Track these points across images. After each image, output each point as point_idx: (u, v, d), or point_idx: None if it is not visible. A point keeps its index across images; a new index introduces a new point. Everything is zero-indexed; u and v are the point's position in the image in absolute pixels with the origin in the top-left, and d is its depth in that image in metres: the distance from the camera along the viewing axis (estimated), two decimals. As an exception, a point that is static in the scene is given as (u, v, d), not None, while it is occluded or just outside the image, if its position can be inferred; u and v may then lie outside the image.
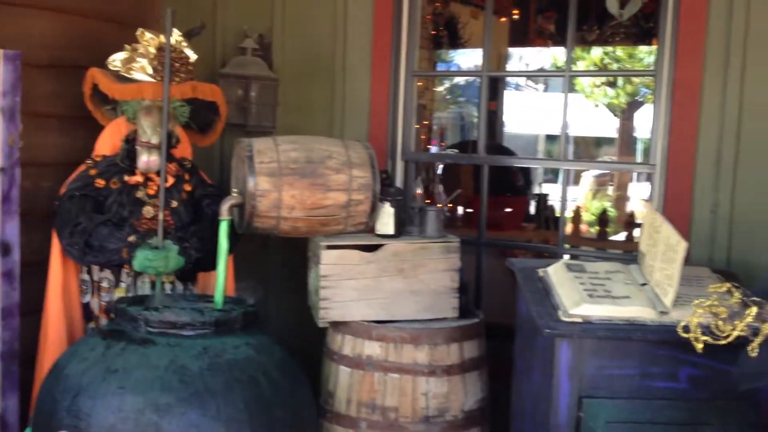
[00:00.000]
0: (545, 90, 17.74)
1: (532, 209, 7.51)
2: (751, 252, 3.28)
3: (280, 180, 3.11)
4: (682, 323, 1.74)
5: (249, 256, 3.93)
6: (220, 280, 3.08)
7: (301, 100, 4.11)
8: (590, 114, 15.42)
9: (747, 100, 3.24)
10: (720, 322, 1.65)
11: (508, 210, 7.14)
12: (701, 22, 3.31)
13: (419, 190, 3.55)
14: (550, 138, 17.03)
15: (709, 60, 3.31)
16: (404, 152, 3.97)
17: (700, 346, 1.73)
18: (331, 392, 3.28)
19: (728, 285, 1.70)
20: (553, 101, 15.40)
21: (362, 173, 3.22)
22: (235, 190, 3.22)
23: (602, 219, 7.10)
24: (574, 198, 11.47)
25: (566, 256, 3.84)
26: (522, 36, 7.76)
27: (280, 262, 4.09)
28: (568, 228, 7.10)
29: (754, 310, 1.62)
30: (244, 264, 3.79)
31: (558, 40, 7.28)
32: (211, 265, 3.19)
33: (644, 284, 2.67)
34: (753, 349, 1.75)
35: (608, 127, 15.93)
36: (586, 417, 2.51)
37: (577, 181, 13.21)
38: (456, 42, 7.25)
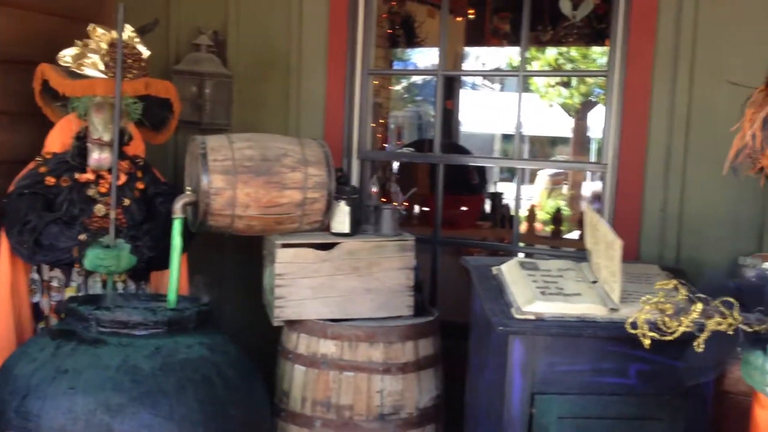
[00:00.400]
0: (501, 89, 17.87)
1: (488, 208, 7.56)
2: (699, 249, 3.35)
3: (235, 178, 3.09)
4: (630, 320, 1.78)
5: (204, 254, 3.89)
6: (173, 278, 3.05)
7: (256, 97, 4.08)
8: (546, 114, 15.58)
9: (695, 100, 3.31)
10: (666, 319, 1.69)
11: (464, 209, 7.18)
12: (651, 23, 3.37)
13: (375, 189, 3.56)
14: (507, 137, 17.17)
15: (659, 61, 3.37)
16: (360, 150, 3.97)
17: (647, 342, 1.77)
18: (286, 391, 3.27)
19: (675, 282, 1.74)
20: (509, 101, 15.52)
21: (318, 171, 3.22)
22: (189, 188, 3.20)
23: (556, 218, 7.18)
24: (530, 197, 11.59)
25: (521, 255, 3.89)
26: (478, 36, 7.80)
27: (235, 261, 4.07)
28: (523, 227, 7.17)
29: (699, 306, 1.66)
30: (198, 263, 3.75)
31: (513, 40, 7.34)
32: (164, 264, 3.16)
33: (595, 282, 2.71)
34: (699, 345, 1.79)
35: (563, 126, 16.11)
36: (538, 413, 2.54)
37: (532, 180, 13.34)
38: (412, 41, 7.26)
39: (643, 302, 1.69)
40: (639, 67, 3.40)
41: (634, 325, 1.76)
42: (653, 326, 1.76)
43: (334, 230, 3.31)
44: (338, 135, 3.94)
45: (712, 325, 1.71)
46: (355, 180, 3.96)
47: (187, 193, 3.15)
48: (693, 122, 3.32)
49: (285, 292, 3.19)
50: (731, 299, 1.76)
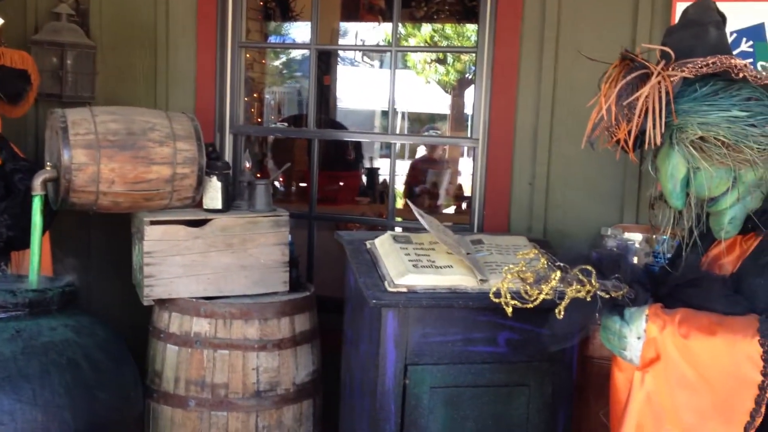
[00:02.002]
0: (381, 66, 17.93)
1: (368, 184, 7.61)
2: (565, 221, 3.47)
3: (98, 153, 2.96)
4: (493, 289, 1.82)
5: (69, 232, 3.74)
6: (35, 258, 2.92)
7: (122, 69, 3.93)
8: (425, 91, 15.75)
9: (560, 77, 3.40)
10: (527, 287, 1.74)
11: (343, 184, 7.21)
12: (518, 2, 3.44)
13: (248, 164, 3.50)
14: (386, 114, 17.26)
15: (526, 39, 3.45)
16: (233, 125, 3.90)
17: (509, 310, 1.81)
18: (159, 372, 3.20)
19: (535, 251, 1.80)
20: (388, 78, 15.56)
21: (187, 146, 3.13)
22: (50, 163, 3.05)
23: (433, 193, 7.31)
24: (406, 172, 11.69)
25: (398, 229, 3.92)
26: (354, 11, 7.79)
27: (104, 239, 3.93)
28: (401, 202, 7.26)
29: (558, 274, 1.72)
30: (63, 241, 3.60)
31: (388, 16, 7.37)
32: (25, 244, 3.01)
33: (469, 254, 2.77)
34: (560, 312, 1.85)
35: (441, 103, 16.35)
36: (411, 383, 2.58)
37: (412, 156, 13.48)
38: (287, 15, 7.17)
39: (505, 271, 1.74)
40: (507, 45, 3.47)
41: (497, 294, 1.80)
42: (515, 295, 1.81)
43: (206, 206, 3.24)
44: (210, 109, 3.84)
45: (571, 292, 1.77)
46: (228, 155, 3.88)
47: (48, 169, 3.00)
48: (558, 99, 3.42)
49: (155, 271, 3.10)
50: (589, 267, 1.83)
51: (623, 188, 3.38)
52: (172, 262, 3.12)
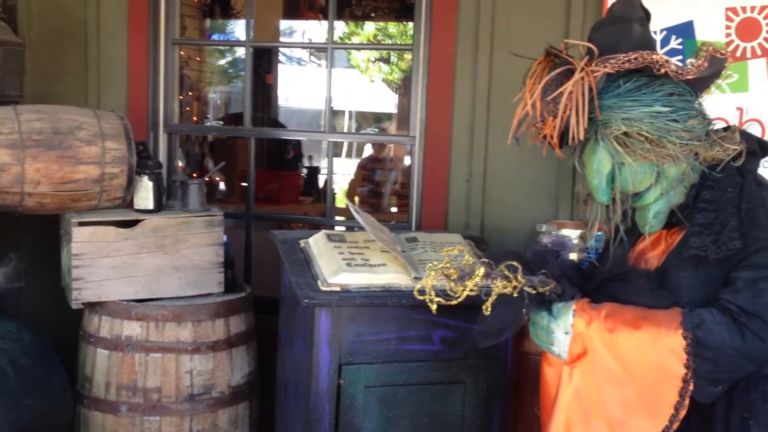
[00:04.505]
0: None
1: (313, 183, 7.58)
2: (502, 218, 3.48)
3: (23, 152, 2.87)
4: (418, 286, 1.81)
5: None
6: (-44, 262, 2.82)
7: (51, 67, 3.83)
8: (371, 90, 15.74)
9: (495, 74, 3.41)
10: (452, 284, 1.73)
11: (286, 184, 7.16)
12: (453, -1, 3.44)
13: (181, 163, 3.43)
14: (335, 113, 17.21)
15: (461, 36, 3.44)
16: (167, 124, 3.82)
17: (434, 307, 1.80)
18: (89, 377, 3.11)
19: (460, 247, 1.78)
20: (336, 77, 15.53)
21: (116, 145, 3.06)
22: (-28, 164, 2.94)
23: (379, 192, 7.29)
24: (351, 172, 11.68)
25: (340, 228, 3.89)
26: (295, 9, 7.74)
27: (33, 241, 3.81)
28: (342, 200, 7.23)
29: (482, 270, 1.71)
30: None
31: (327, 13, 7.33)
32: (-54, 247, 2.90)
33: (404, 251, 2.75)
34: (487, 308, 1.84)
35: (389, 102, 16.37)
36: (345, 383, 2.56)
37: (360, 155, 13.46)
38: (228, 12, 7.09)
39: (429, 268, 1.73)
40: (442, 41, 3.46)
41: (422, 292, 1.79)
42: (441, 292, 1.79)
43: (137, 206, 3.17)
44: (143, 107, 3.76)
45: (497, 288, 1.77)
46: (162, 154, 3.81)
47: (-31, 169, 2.90)
48: (493, 96, 3.42)
49: (83, 273, 3.02)
50: (515, 263, 1.83)
51: (558, 185, 3.40)
52: (102, 264, 3.04)
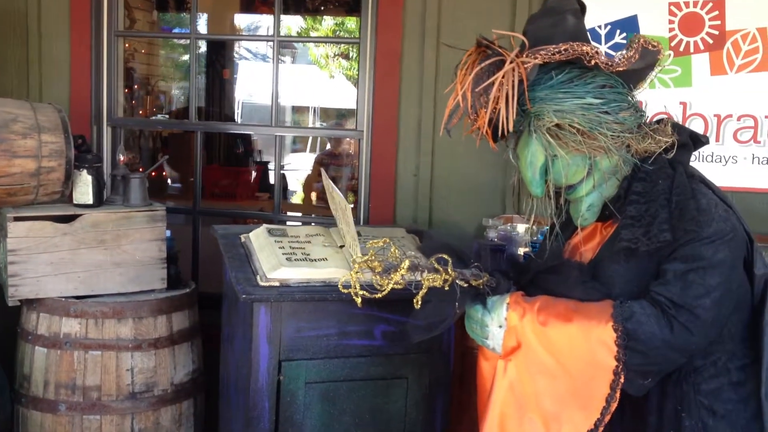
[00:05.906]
0: (293, 62, 17.77)
1: (268, 179, 7.51)
2: (449, 212, 3.48)
3: (-46, 146, 2.80)
4: (342, 279, 1.78)
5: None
6: None
7: (-9, 59, 3.74)
8: (333, 85, 15.68)
9: (441, 68, 3.40)
10: (377, 277, 1.70)
11: (243, 180, 7.10)
12: (399, -9, 3.42)
13: (122, 157, 3.37)
14: (297, 109, 17.12)
15: (408, 30, 3.43)
16: (110, 117, 3.75)
17: (359, 300, 1.77)
18: (27, 375, 3.05)
19: (386, 239, 1.76)
20: (299, 73, 15.42)
21: (54, 138, 2.99)
22: None
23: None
24: (307, 167, 11.63)
25: (290, 224, 3.85)
26: (250, 3, 7.66)
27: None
28: (299, 196, 7.18)
29: (406, 263, 1.68)
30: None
31: (284, 8, 7.28)
32: None
33: (342, 246, 2.73)
34: (417, 302, 1.82)
35: (350, 98, 16.32)
36: (285, 379, 2.52)
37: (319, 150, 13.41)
38: (184, 6, 6.99)
39: (353, 261, 1.70)
40: (389, 36, 3.44)
41: (346, 285, 1.76)
42: (367, 285, 1.77)
43: (76, 201, 3.10)
44: (86, 100, 3.69)
45: (426, 281, 1.74)
46: (106, 148, 3.74)
47: None
48: (440, 90, 3.41)
49: (20, 269, 2.95)
50: (445, 256, 1.81)
51: (505, 179, 3.39)
52: (39, 260, 2.97)
